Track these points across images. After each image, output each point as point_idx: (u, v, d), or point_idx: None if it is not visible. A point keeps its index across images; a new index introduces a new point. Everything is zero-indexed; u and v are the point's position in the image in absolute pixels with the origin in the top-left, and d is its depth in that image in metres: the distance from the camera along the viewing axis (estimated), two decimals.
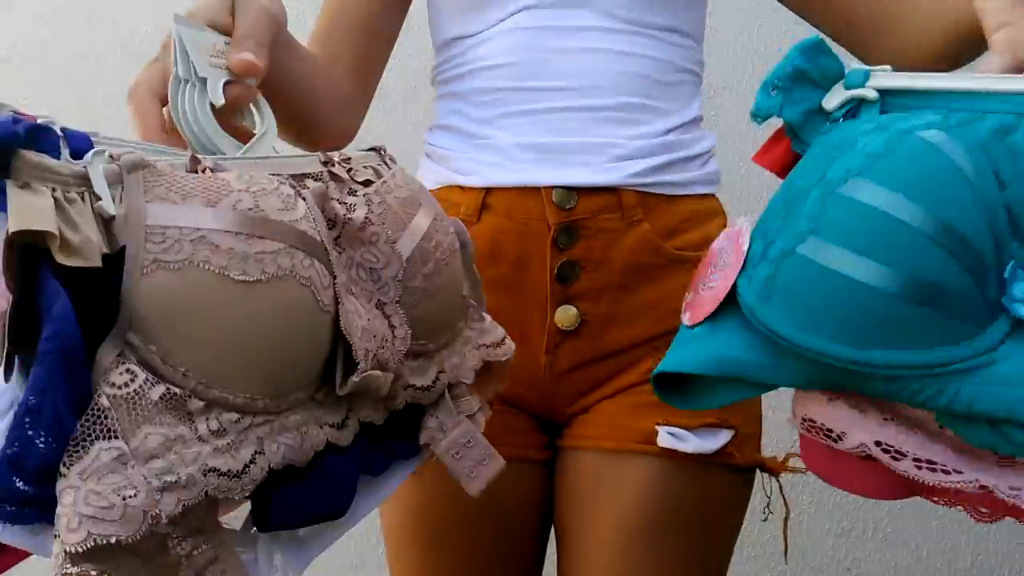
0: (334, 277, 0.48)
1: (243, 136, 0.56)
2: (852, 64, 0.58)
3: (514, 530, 0.81)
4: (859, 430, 0.53)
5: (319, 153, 0.55)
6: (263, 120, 0.57)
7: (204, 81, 0.54)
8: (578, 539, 0.78)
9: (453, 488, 0.59)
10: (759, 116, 0.58)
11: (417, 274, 0.55)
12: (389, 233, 0.54)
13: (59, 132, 0.43)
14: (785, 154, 0.60)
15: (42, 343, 0.38)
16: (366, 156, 0.59)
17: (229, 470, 0.42)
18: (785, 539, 0.76)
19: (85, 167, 0.42)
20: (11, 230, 0.38)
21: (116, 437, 0.39)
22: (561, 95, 0.77)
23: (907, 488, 0.54)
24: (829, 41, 0.61)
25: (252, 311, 0.43)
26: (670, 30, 0.79)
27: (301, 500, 0.48)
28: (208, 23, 0.56)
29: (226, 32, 0.57)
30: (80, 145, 0.44)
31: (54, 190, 0.40)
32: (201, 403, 0.42)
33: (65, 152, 0.43)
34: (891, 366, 0.48)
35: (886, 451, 0.52)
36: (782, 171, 0.60)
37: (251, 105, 0.57)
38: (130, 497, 0.38)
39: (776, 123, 0.59)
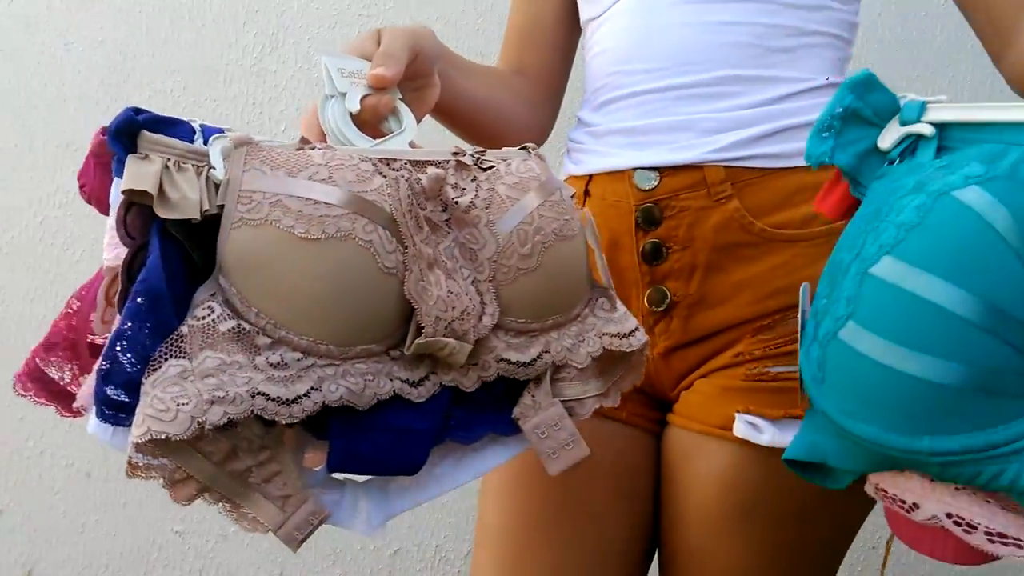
0: (404, 247, 0.52)
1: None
2: (907, 97, 0.54)
3: (624, 489, 0.79)
4: (931, 501, 0.49)
5: (453, 146, 0.61)
6: (401, 123, 0.64)
7: (344, 95, 0.62)
8: (668, 515, 0.78)
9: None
10: (811, 162, 0.55)
11: (513, 254, 0.57)
12: (490, 217, 0.58)
13: (196, 126, 0.54)
14: (843, 199, 0.56)
15: (135, 285, 0.48)
16: (508, 151, 0.64)
17: (278, 397, 0.48)
18: (885, 556, 0.63)
19: (207, 146, 0.52)
20: (121, 188, 0.48)
21: (184, 357, 0.47)
22: (652, 76, 0.76)
23: (988, 556, 0.49)
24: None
25: (312, 265, 0.49)
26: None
27: (362, 447, 0.52)
28: (358, 54, 0.65)
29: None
30: (212, 133, 0.54)
31: (168, 160, 0.50)
32: (268, 340, 0.49)
33: (199, 140, 0.53)
34: (942, 453, 0.45)
35: (957, 523, 0.48)
36: (843, 216, 0.57)
37: (395, 113, 0.65)
38: (183, 404, 0.45)
39: None
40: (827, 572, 0.77)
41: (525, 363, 0.58)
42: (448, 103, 0.74)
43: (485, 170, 0.60)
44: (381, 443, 0.52)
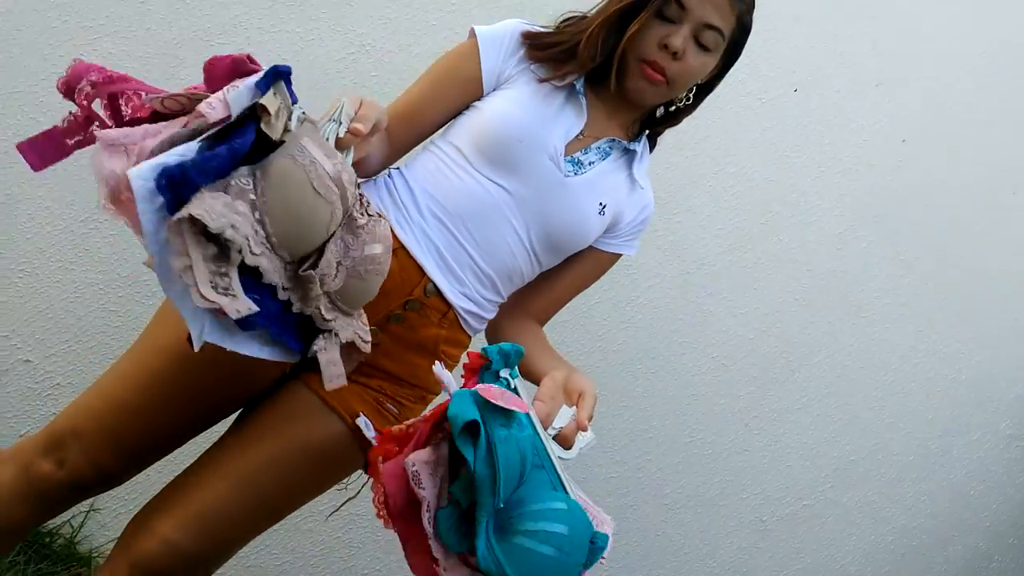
0: (347, 217, 1.00)
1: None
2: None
3: (235, 389, 1.22)
4: None
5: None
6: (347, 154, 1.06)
7: (340, 124, 1.04)
8: (260, 421, 1.21)
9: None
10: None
11: (358, 266, 1.06)
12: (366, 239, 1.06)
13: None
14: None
15: (235, 137, 0.86)
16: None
17: (247, 236, 0.89)
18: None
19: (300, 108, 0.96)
20: (261, 102, 0.88)
21: (226, 193, 0.87)
22: (473, 246, 1.27)
23: None
24: None
25: (305, 205, 0.93)
26: (540, 265, 1.33)
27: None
28: (354, 109, 1.06)
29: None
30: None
31: (280, 103, 0.91)
32: (258, 213, 0.90)
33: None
34: None
35: None
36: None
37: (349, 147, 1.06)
38: (216, 215, 0.84)
39: None
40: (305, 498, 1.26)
41: (328, 319, 1.04)
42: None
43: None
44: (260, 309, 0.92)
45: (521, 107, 1.27)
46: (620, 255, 1.41)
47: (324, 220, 0.94)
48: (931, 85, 2.50)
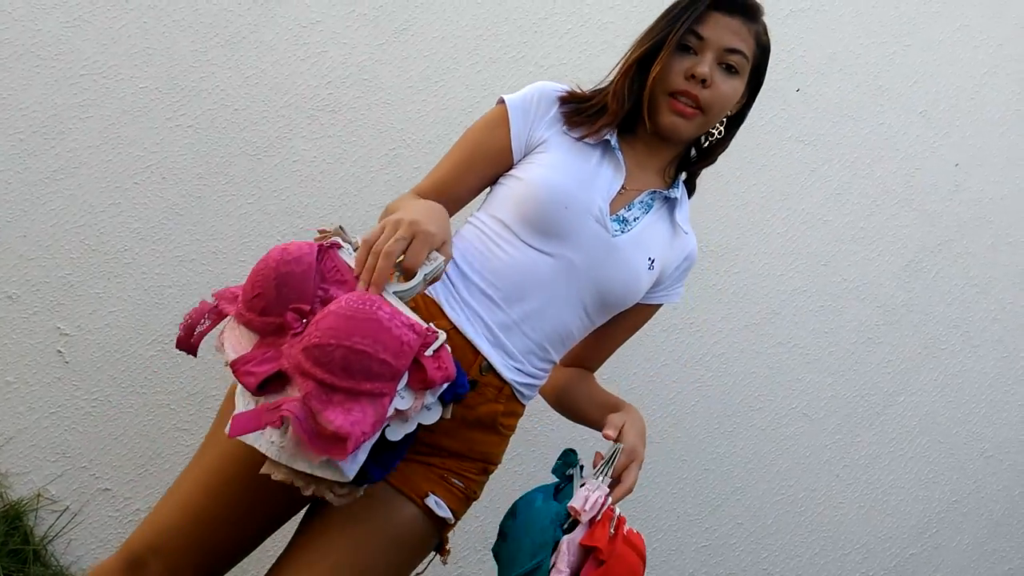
0: None
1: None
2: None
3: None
4: None
5: None
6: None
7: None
8: (341, 520, 1.18)
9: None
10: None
11: None
12: None
13: None
14: None
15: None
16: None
17: None
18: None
19: None
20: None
21: None
22: (525, 321, 1.25)
23: None
24: None
25: None
26: (592, 325, 1.32)
27: None
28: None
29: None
30: None
31: None
32: None
33: None
34: None
35: None
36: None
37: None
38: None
39: None
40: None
41: None
42: None
43: None
44: None
45: (561, 171, 1.25)
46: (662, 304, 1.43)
47: None
48: (978, 105, 2.45)
